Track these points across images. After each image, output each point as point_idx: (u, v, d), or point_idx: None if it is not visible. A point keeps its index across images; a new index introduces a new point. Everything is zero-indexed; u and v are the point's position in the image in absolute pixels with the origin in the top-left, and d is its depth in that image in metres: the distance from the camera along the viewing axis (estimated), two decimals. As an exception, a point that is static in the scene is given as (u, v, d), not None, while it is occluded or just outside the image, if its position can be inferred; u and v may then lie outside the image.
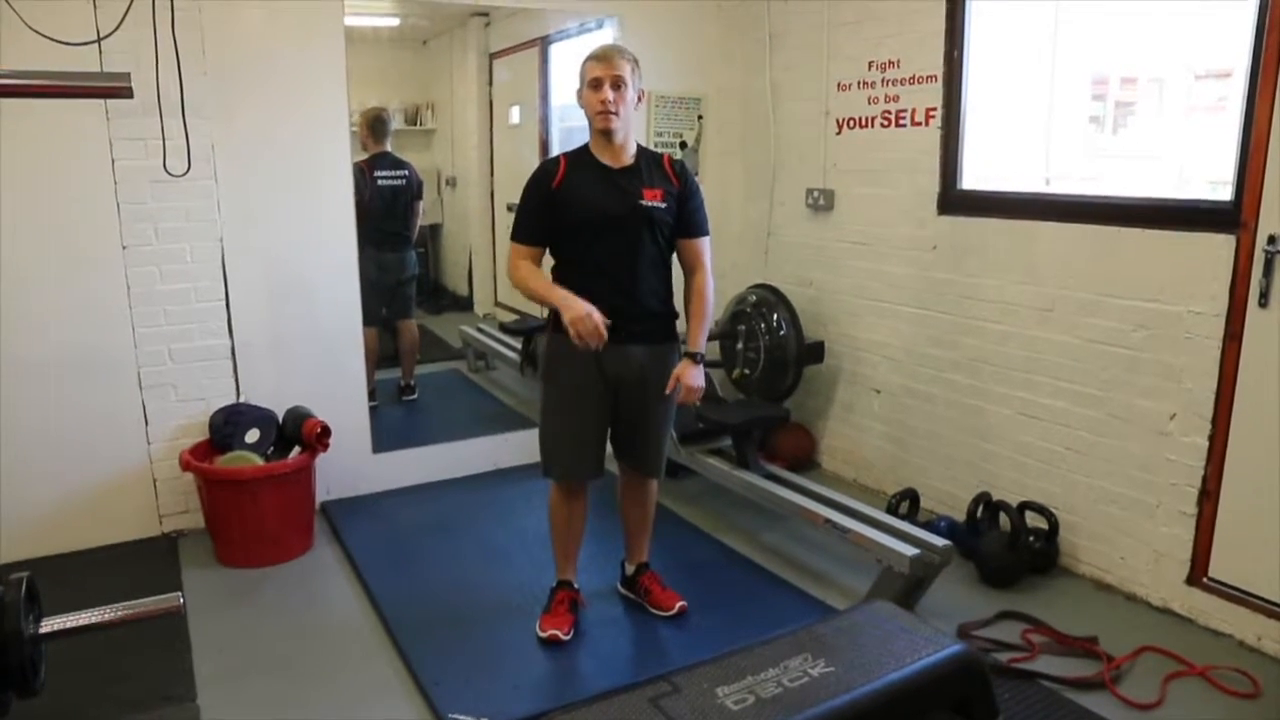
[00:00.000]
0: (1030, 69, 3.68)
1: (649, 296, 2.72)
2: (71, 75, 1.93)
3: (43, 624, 1.96)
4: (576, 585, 3.00)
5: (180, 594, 2.12)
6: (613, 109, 2.59)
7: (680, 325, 2.84)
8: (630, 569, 3.11)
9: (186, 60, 3.17)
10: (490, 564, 3.40)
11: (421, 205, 5.27)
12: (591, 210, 2.62)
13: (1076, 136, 3.89)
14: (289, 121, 3.54)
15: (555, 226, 2.65)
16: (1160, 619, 3.01)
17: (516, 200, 2.75)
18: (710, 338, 4.35)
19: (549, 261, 2.78)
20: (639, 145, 2.74)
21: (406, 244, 5.16)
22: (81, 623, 2.02)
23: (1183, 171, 3.51)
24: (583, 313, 2.52)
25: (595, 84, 2.59)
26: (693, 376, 2.71)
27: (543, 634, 2.84)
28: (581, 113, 2.69)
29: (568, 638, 2.84)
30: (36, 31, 2.82)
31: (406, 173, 5.03)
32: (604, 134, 2.64)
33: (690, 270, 2.80)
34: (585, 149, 2.71)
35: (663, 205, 2.68)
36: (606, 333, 2.54)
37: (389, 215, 4.94)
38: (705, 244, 2.80)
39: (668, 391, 2.73)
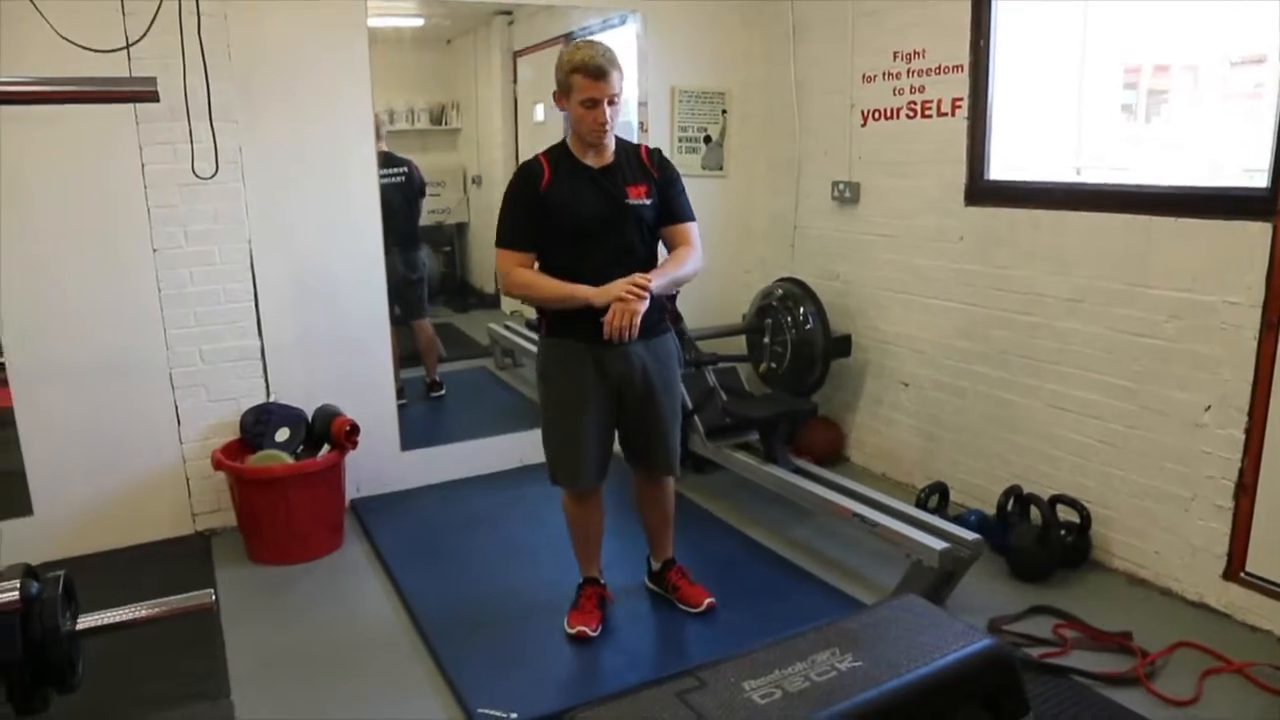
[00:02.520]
0: (1060, 57, 3.62)
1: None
2: (99, 81, 1.96)
3: (79, 621, 2.00)
4: (603, 581, 3.01)
5: (212, 591, 2.14)
6: (609, 127, 2.55)
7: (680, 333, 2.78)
8: (656, 565, 3.11)
9: (213, 65, 3.21)
10: (518, 561, 3.42)
11: (423, 202, 5.26)
12: (580, 214, 2.56)
13: (1108, 125, 3.82)
14: (315, 123, 3.57)
15: (543, 230, 2.59)
16: (1196, 614, 2.96)
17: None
18: (736, 332, 4.38)
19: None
20: (617, 139, 2.68)
21: (415, 243, 5.13)
22: (116, 619, 2.05)
23: (1217, 160, 3.44)
24: (622, 297, 2.43)
25: (591, 104, 2.49)
26: (632, 283, 2.48)
27: (571, 630, 2.85)
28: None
29: (595, 634, 2.85)
30: (66, 39, 2.87)
31: (406, 169, 5.01)
32: (593, 145, 2.60)
33: (673, 249, 2.72)
34: (564, 148, 2.65)
35: (647, 201, 2.63)
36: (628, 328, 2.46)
37: (393, 214, 4.80)
38: (692, 228, 2.71)
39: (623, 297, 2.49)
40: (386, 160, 4.94)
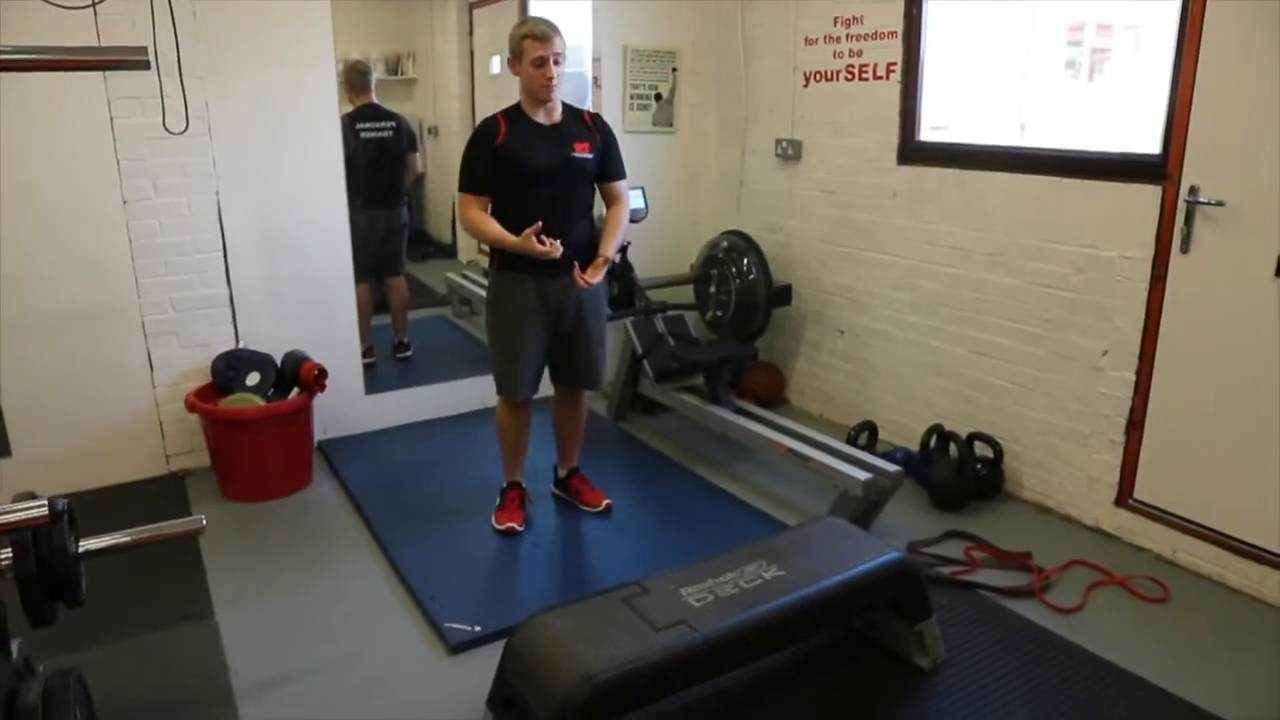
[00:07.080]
0: (1005, 18, 3.80)
1: (579, 234, 3.07)
2: (93, 50, 2.10)
3: (81, 544, 2.20)
4: (524, 485, 3.40)
5: (203, 516, 2.35)
6: (556, 83, 2.95)
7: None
8: (563, 473, 3.52)
9: (179, 20, 3.29)
10: (477, 493, 3.61)
11: (416, 157, 5.22)
12: (532, 164, 2.97)
13: (1052, 83, 4.02)
14: (278, 76, 3.68)
15: (498, 178, 2.98)
16: (1091, 537, 3.31)
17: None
18: (684, 281, 4.61)
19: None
20: (563, 103, 3.07)
21: (396, 199, 5.09)
22: (115, 542, 2.26)
23: (1150, 117, 3.64)
24: (540, 248, 2.88)
25: (540, 62, 2.91)
26: (592, 272, 3.01)
27: (500, 527, 3.24)
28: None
29: (522, 529, 3.24)
30: (35, -4, 2.95)
31: (394, 124, 4.97)
32: (543, 102, 2.98)
33: (610, 204, 3.20)
34: (519, 109, 3.04)
35: (590, 156, 3.07)
36: (558, 251, 2.90)
37: (376, 168, 4.87)
38: (623, 185, 3.20)
39: (583, 279, 3.00)
40: (373, 113, 4.94)
